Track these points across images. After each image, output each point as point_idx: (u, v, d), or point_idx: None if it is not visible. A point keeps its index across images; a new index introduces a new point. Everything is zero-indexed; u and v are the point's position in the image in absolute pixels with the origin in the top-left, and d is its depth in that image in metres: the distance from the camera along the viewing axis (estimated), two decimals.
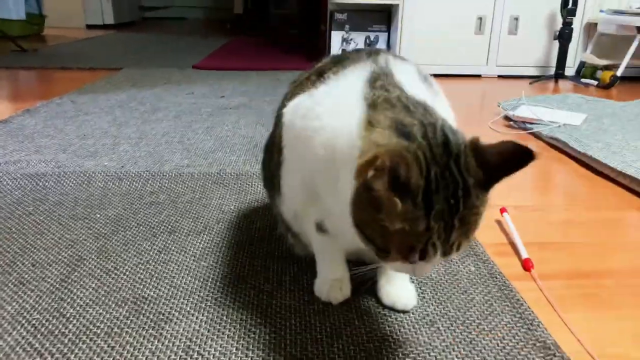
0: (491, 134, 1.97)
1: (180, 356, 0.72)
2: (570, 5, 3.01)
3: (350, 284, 0.85)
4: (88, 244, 1.03)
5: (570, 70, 3.27)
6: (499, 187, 1.33)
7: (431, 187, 0.55)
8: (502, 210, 1.18)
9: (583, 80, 3.14)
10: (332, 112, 0.66)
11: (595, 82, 3.04)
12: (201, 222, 1.14)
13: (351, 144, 0.61)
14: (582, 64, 3.25)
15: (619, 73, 2.92)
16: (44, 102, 2.24)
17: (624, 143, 1.66)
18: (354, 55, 0.75)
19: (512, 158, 0.57)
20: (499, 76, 3.37)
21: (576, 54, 3.31)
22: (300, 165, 0.74)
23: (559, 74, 3.17)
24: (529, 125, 1.98)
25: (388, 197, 0.54)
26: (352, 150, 0.60)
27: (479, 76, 3.37)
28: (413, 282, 0.89)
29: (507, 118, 2.14)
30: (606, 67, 3.10)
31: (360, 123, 0.61)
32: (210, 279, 0.92)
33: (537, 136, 1.91)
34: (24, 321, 0.79)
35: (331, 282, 0.84)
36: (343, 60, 0.75)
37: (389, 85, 0.65)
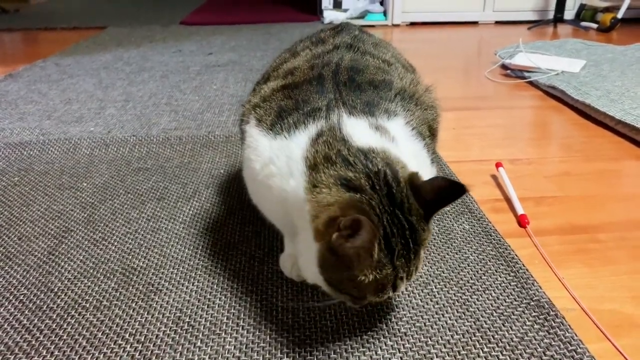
0: (488, 85, 1.92)
1: (171, 327, 0.72)
2: None
3: None
4: (75, 214, 1.01)
5: (569, 14, 3.17)
6: (494, 140, 1.29)
7: (387, 232, 0.59)
8: (498, 165, 1.15)
9: (583, 23, 3.04)
10: (282, 175, 0.68)
11: (596, 25, 2.95)
12: (190, 188, 1.11)
13: (300, 207, 0.64)
14: (582, 7, 3.14)
15: (619, 15, 2.83)
16: (27, 65, 2.18)
17: (623, 90, 1.62)
18: (314, 89, 0.74)
19: (445, 193, 0.62)
20: (496, 22, 3.27)
21: None
22: (260, 199, 0.79)
23: (558, 18, 3.07)
24: (526, 74, 1.92)
25: (363, 250, 0.57)
26: (303, 213, 0.63)
27: (475, 23, 3.26)
28: None
29: (504, 67, 2.09)
30: (607, 9, 3.00)
31: (304, 186, 0.64)
32: (200, 247, 0.90)
33: (534, 85, 1.86)
34: (11, 297, 0.78)
35: (296, 258, 0.79)
36: (307, 90, 0.75)
37: (332, 139, 0.66)
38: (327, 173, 0.63)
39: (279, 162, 0.68)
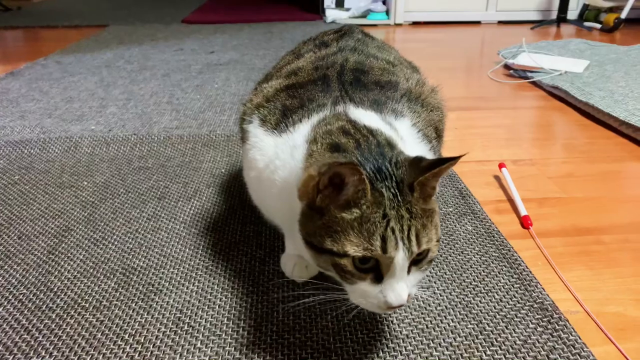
0: (491, 85, 1.91)
1: (171, 328, 0.71)
2: None
3: None
4: (75, 213, 1.01)
5: (573, 14, 3.16)
6: (497, 141, 1.29)
7: (370, 178, 0.57)
8: (501, 166, 1.14)
9: (586, 23, 3.03)
10: (285, 165, 0.67)
11: (599, 26, 2.94)
12: (191, 187, 1.11)
13: (298, 178, 0.62)
14: (586, 7, 3.13)
15: (623, 15, 2.82)
16: (28, 63, 2.17)
17: (627, 90, 1.61)
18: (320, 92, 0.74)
19: (438, 161, 0.58)
20: (499, 22, 3.26)
21: None
22: (264, 199, 0.77)
23: (562, 18, 3.06)
24: (529, 74, 1.91)
25: (359, 184, 0.55)
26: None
27: (478, 22, 3.25)
28: None
29: (507, 67, 2.08)
30: (610, 10, 2.99)
31: (302, 159, 0.63)
32: (201, 247, 0.89)
33: (537, 85, 1.86)
34: (10, 296, 0.77)
35: (297, 259, 0.80)
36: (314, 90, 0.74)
37: (336, 119, 0.66)
38: (322, 142, 0.63)
39: (283, 155, 0.68)
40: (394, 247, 0.55)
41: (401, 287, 0.57)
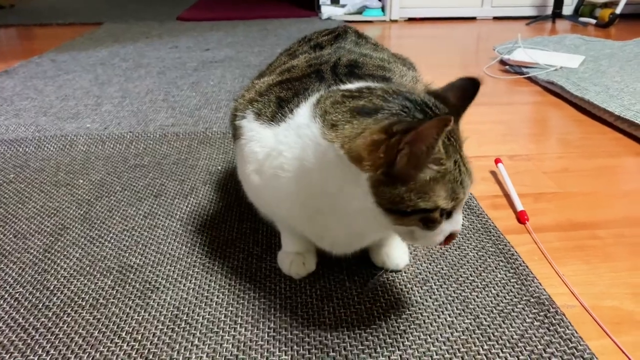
0: (487, 80, 1.91)
1: (168, 326, 0.71)
2: None
3: (316, 257, 0.82)
4: (71, 211, 1.00)
5: (568, 9, 3.16)
6: (493, 137, 1.29)
7: None
8: (497, 161, 1.15)
9: (581, 19, 3.04)
10: (293, 146, 0.65)
11: (594, 21, 2.95)
12: (187, 185, 1.11)
13: (326, 160, 0.61)
14: (581, 2, 3.14)
15: (618, 10, 2.82)
16: (22, 61, 2.16)
17: (622, 85, 1.61)
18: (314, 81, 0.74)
19: (464, 90, 0.64)
20: (495, 18, 3.27)
21: None
22: (258, 194, 0.75)
23: (557, 13, 3.07)
24: (525, 70, 1.92)
25: (435, 141, 0.55)
26: (331, 166, 0.60)
27: (473, 18, 3.25)
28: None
29: (503, 62, 2.08)
30: (605, 5, 2.99)
31: (322, 132, 0.61)
32: (197, 244, 0.89)
33: (533, 80, 1.86)
34: (6, 295, 0.77)
35: (294, 256, 0.80)
36: (307, 80, 0.74)
37: (334, 93, 0.66)
38: (339, 111, 0.62)
39: (287, 139, 0.66)
40: (467, 186, 0.61)
41: (461, 215, 0.63)
